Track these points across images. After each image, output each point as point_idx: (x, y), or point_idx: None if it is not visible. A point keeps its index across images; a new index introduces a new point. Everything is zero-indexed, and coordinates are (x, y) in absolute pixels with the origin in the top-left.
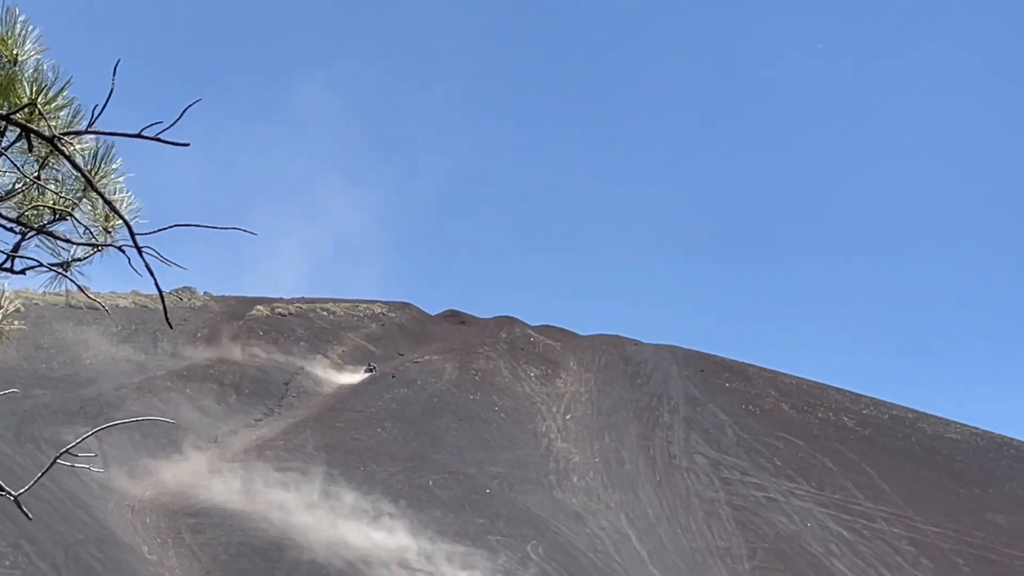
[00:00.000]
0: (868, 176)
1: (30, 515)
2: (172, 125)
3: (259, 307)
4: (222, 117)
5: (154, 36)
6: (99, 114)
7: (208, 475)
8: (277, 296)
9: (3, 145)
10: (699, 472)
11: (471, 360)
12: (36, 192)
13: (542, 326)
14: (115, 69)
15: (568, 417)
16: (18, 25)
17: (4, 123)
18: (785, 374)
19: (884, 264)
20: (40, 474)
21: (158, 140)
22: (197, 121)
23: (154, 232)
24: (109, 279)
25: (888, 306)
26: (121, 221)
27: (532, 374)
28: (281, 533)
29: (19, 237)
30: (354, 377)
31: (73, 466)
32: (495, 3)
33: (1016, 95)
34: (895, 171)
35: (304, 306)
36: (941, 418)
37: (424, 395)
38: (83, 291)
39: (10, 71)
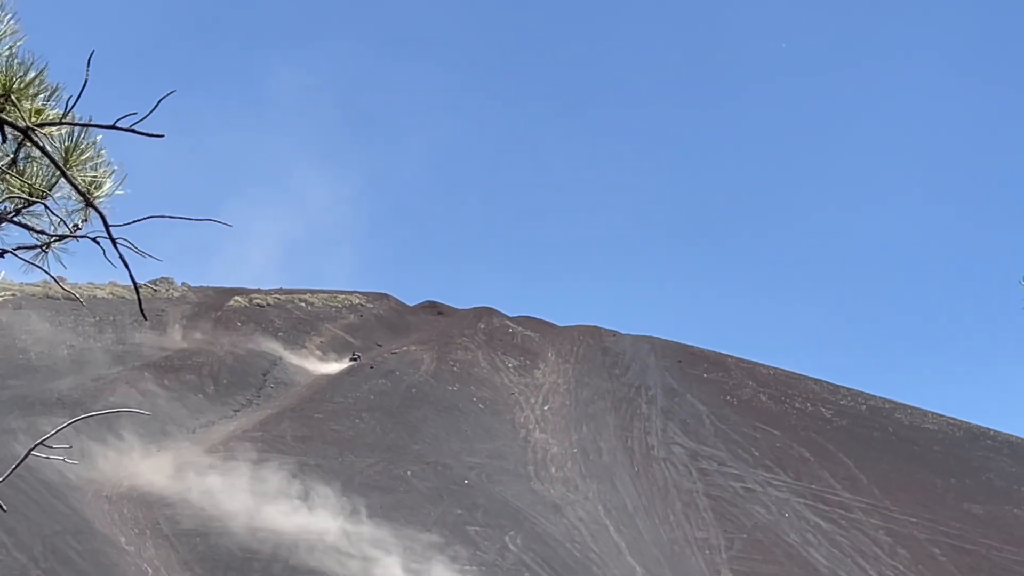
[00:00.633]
0: (847, 169)
1: (5, 507)
2: (146, 116)
3: (237, 298)
4: (195, 99)
5: (128, 16)
6: (74, 104)
7: (186, 466)
8: (255, 287)
9: None
10: (677, 463)
11: (449, 351)
12: (11, 179)
13: (520, 317)
14: (89, 60)
15: (546, 408)
16: None
17: None
18: (763, 365)
19: (861, 256)
20: (15, 465)
21: (132, 131)
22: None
23: (129, 224)
24: (87, 270)
25: (865, 297)
26: (95, 197)
27: (510, 365)
28: (257, 524)
29: None
30: (333, 367)
31: (48, 457)
32: None
33: (987, 89)
34: (874, 164)
35: (282, 297)
36: (918, 408)
37: (402, 386)
38: (58, 282)
39: None
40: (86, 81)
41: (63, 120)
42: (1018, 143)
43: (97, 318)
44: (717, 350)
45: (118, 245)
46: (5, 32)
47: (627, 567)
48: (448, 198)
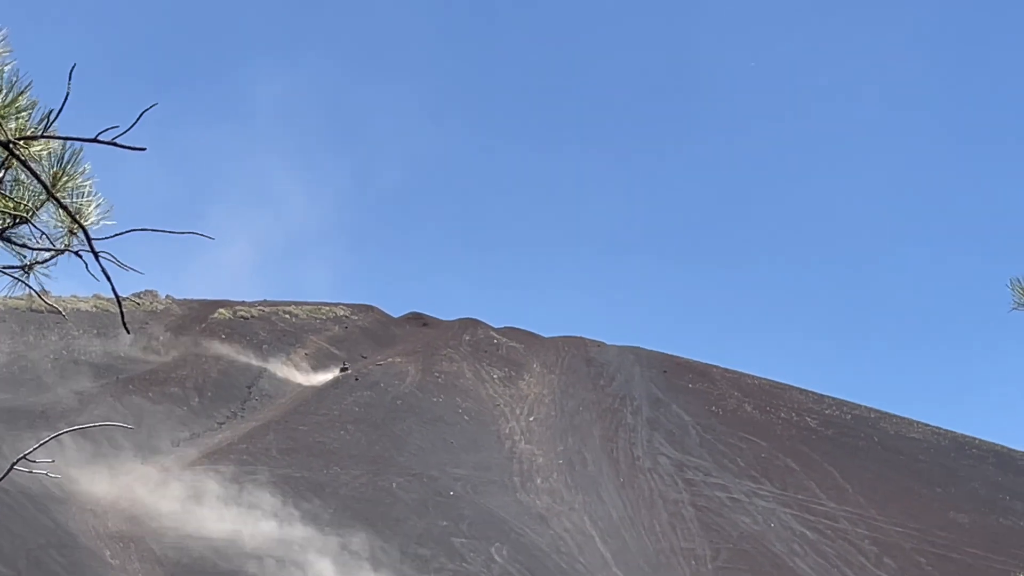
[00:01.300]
0: (829, 179)
1: None
2: (128, 129)
3: (221, 310)
4: (174, 109)
5: (108, 25)
6: (55, 118)
7: (170, 479)
8: (237, 298)
9: None
10: (662, 473)
11: (434, 362)
12: None
13: (505, 328)
14: (71, 73)
15: (531, 419)
16: None
17: None
18: (748, 375)
19: (846, 265)
20: None
21: (115, 145)
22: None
23: (111, 237)
24: (71, 283)
25: (849, 307)
26: (83, 223)
27: (495, 376)
28: (242, 539)
29: None
30: (317, 379)
31: (32, 471)
32: (453, 1)
33: (960, 98)
34: (855, 173)
35: (266, 309)
36: (903, 418)
37: (387, 397)
38: (41, 297)
39: None
40: (67, 95)
41: (44, 134)
42: (1000, 151)
43: (81, 331)
44: (702, 360)
45: (100, 259)
46: None
47: None
48: (430, 209)
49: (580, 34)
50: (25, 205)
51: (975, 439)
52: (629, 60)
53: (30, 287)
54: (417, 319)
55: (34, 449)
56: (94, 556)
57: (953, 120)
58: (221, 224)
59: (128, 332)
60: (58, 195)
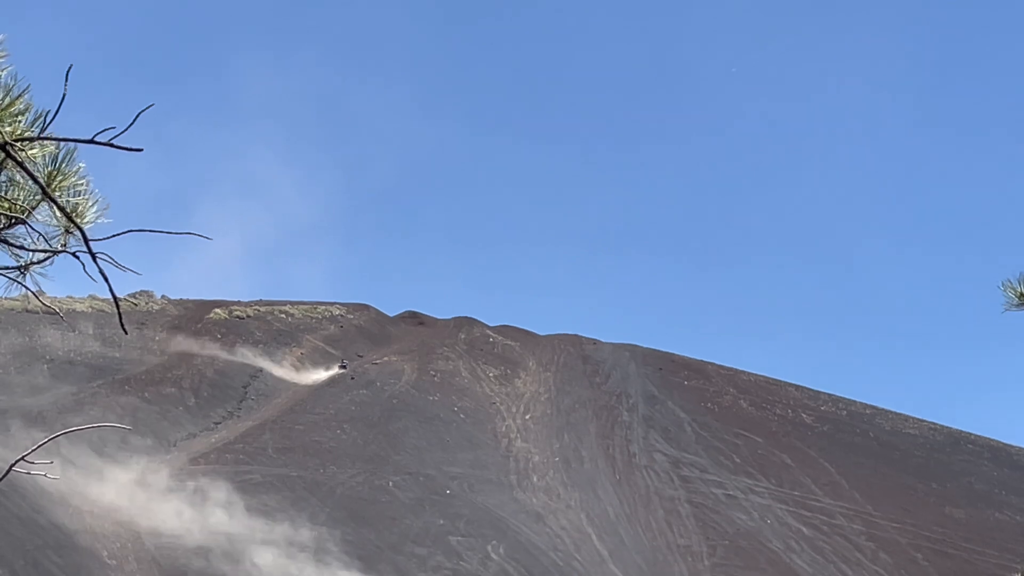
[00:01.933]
0: (825, 176)
1: None
2: (125, 130)
3: (217, 310)
4: (166, 104)
5: (100, 21)
6: (51, 120)
7: (167, 480)
8: (233, 298)
9: None
10: (658, 470)
11: (430, 361)
12: None
13: (501, 326)
14: (67, 75)
15: (528, 417)
16: None
17: None
18: (743, 371)
19: (842, 262)
20: None
21: (111, 146)
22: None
23: (108, 238)
24: (67, 284)
25: (845, 303)
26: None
27: (491, 374)
28: (239, 537)
29: None
30: (314, 379)
31: (30, 473)
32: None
33: (962, 94)
34: (852, 169)
35: (262, 308)
36: (899, 413)
37: (383, 396)
38: (37, 297)
39: None
40: (64, 96)
41: (41, 136)
42: (996, 150)
43: (77, 332)
44: (697, 357)
45: (97, 259)
46: None
47: (610, 575)
48: (423, 206)
49: (572, 31)
50: (21, 206)
51: (970, 435)
52: (622, 56)
53: (27, 288)
54: (413, 318)
55: (32, 451)
56: (92, 556)
57: (948, 116)
58: (212, 220)
59: (126, 332)
60: (54, 194)
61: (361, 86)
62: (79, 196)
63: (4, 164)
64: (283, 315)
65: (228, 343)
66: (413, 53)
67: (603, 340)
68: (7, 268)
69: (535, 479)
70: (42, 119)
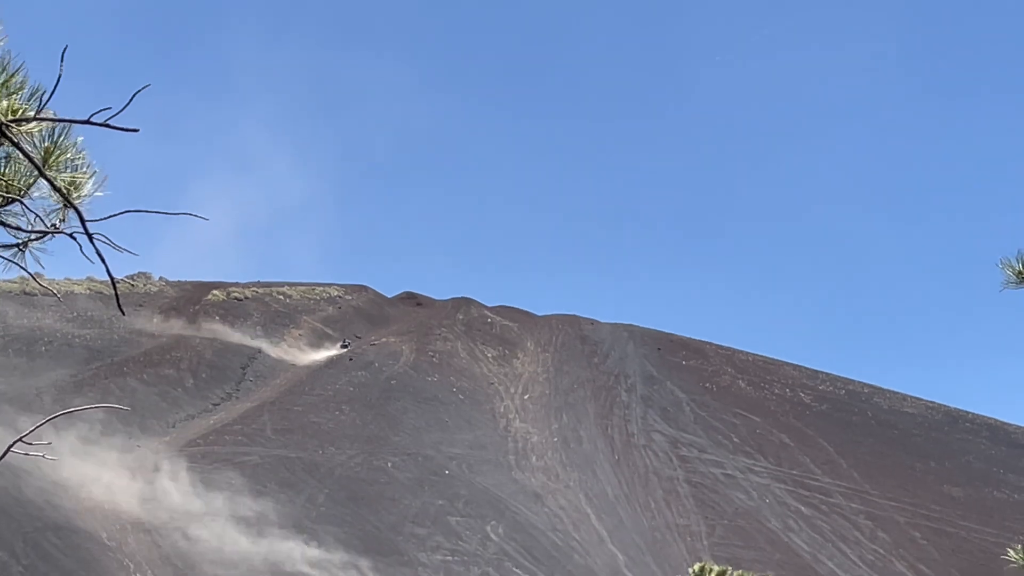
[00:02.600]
0: (824, 158)
1: None
2: (121, 111)
3: (215, 292)
4: (159, 79)
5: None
6: (48, 99)
7: (165, 461)
8: (229, 278)
9: None
10: (657, 450)
11: (428, 342)
12: None
13: (499, 307)
14: (63, 55)
15: (526, 397)
16: None
17: None
18: (741, 351)
19: (840, 242)
20: None
21: (107, 126)
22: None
23: (105, 218)
24: (65, 265)
25: (843, 282)
26: (74, 198)
27: (489, 355)
28: (237, 517)
29: None
30: (312, 359)
31: (28, 454)
32: None
33: (959, 82)
34: (849, 152)
35: (260, 290)
36: (897, 392)
37: (382, 377)
38: (35, 279)
39: None
40: (60, 76)
41: (37, 116)
42: (989, 133)
43: (75, 314)
44: (696, 337)
45: (95, 240)
46: None
47: (609, 555)
48: (421, 187)
49: (570, 7)
50: (17, 184)
51: (968, 413)
52: (621, 31)
53: (24, 268)
54: (410, 299)
55: (30, 432)
56: (91, 538)
57: (948, 86)
58: (205, 196)
59: (124, 314)
60: (51, 171)
61: (356, 61)
62: (76, 171)
63: (0, 142)
64: (281, 296)
65: (226, 325)
66: (409, 28)
67: (601, 320)
68: (4, 246)
69: (534, 459)
70: (38, 96)
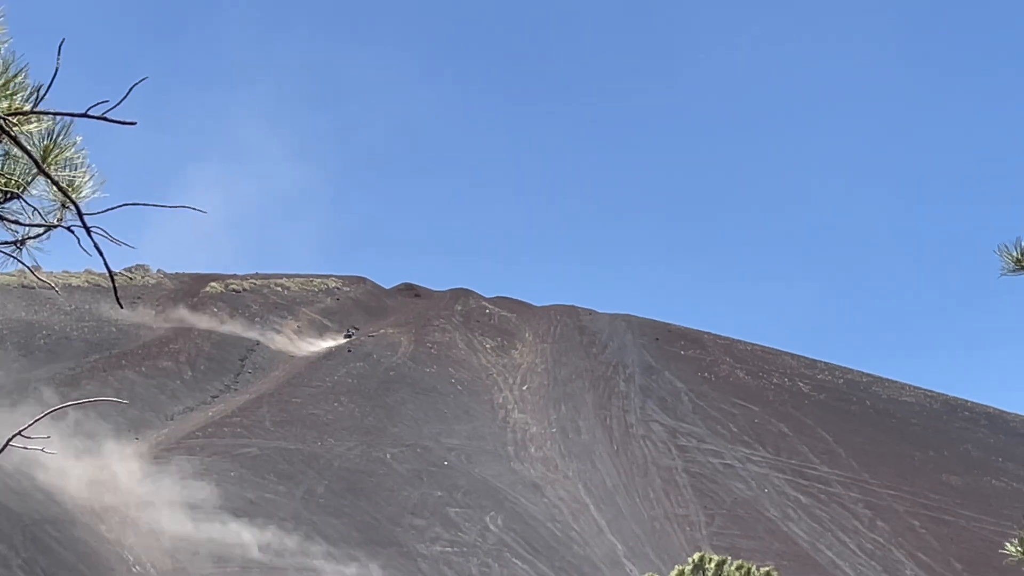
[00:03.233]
0: (822, 147)
1: None
2: (119, 104)
3: (213, 284)
4: (154, 68)
5: None
6: (45, 93)
7: (164, 453)
8: (226, 269)
9: None
10: (656, 440)
11: (427, 333)
12: None
13: (497, 297)
14: (59, 49)
15: (524, 388)
16: None
17: None
18: (740, 341)
19: (838, 230)
20: None
21: (105, 119)
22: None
23: (103, 212)
24: (63, 258)
25: (841, 271)
26: (74, 198)
27: (488, 346)
28: (236, 508)
29: None
30: (310, 351)
31: (26, 448)
32: None
33: (961, 73)
34: (848, 141)
35: (258, 282)
36: (895, 381)
37: (380, 369)
38: (32, 272)
39: None
40: (57, 70)
41: (35, 110)
42: (985, 122)
43: (73, 307)
44: (694, 327)
45: (92, 234)
46: None
47: (608, 545)
48: (419, 178)
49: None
50: (16, 181)
51: (967, 401)
52: (622, 25)
53: (22, 263)
54: (409, 290)
55: (28, 426)
56: (89, 531)
57: (952, 72)
58: (200, 186)
59: (121, 307)
60: (50, 168)
61: (353, 52)
62: (76, 170)
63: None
64: (279, 288)
65: (224, 316)
66: (406, 18)
67: (599, 310)
68: (3, 243)
69: (532, 450)
70: (36, 92)
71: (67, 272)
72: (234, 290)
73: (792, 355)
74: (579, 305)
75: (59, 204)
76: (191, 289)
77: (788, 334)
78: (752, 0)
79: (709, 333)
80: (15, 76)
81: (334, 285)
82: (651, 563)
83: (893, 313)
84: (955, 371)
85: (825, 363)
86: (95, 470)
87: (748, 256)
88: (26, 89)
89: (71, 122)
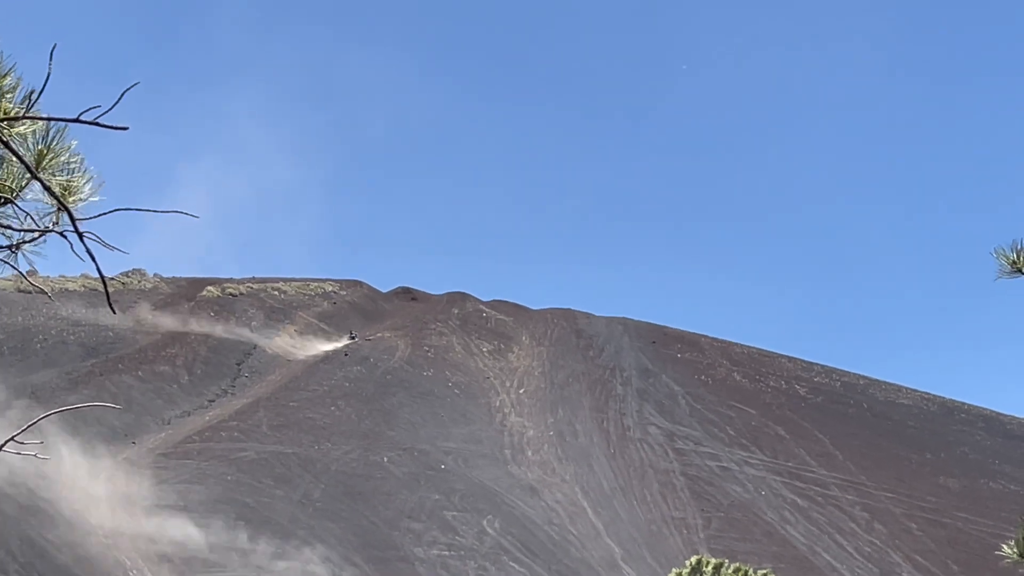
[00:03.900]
0: (818, 151)
1: None
2: (111, 109)
3: (209, 288)
4: (148, 67)
5: None
6: (37, 98)
7: (161, 458)
8: (223, 272)
9: None
10: (653, 443)
11: (424, 336)
12: None
13: (494, 301)
14: (51, 54)
15: (521, 391)
16: None
17: None
18: (736, 343)
19: (834, 234)
20: None
21: (97, 124)
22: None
23: (96, 216)
24: (60, 263)
25: (838, 274)
26: (69, 202)
27: (485, 349)
28: (233, 514)
29: None
30: (307, 355)
31: (21, 453)
32: None
33: (956, 73)
34: (843, 145)
35: (255, 286)
36: (892, 384)
37: (377, 372)
38: (27, 278)
39: None
40: (48, 74)
41: (27, 114)
42: (981, 125)
43: (69, 311)
44: (691, 330)
45: (85, 239)
46: None
47: (605, 548)
48: (415, 180)
49: (568, 4)
50: (9, 186)
51: (964, 404)
52: (619, 30)
53: (16, 268)
54: (405, 293)
55: (24, 430)
56: (86, 535)
57: (947, 81)
58: (194, 186)
59: (114, 312)
60: (44, 172)
61: (350, 51)
62: (71, 174)
63: None
64: (276, 292)
65: (221, 321)
66: (402, 14)
67: (596, 314)
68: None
69: (529, 453)
70: (28, 97)
71: (63, 276)
72: (231, 294)
73: (789, 358)
74: (576, 308)
75: (54, 208)
76: (187, 293)
77: (785, 337)
78: (751, 3)
79: (706, 336)
80: (4, 76)
81: (331, 289)
82: (648, 566)
83: (890, 316)
84: (952, 373)
85: (822, 366)
86: (91, 475)
87: (745, 259)
88: (18, 90)
89: (65, 126)
